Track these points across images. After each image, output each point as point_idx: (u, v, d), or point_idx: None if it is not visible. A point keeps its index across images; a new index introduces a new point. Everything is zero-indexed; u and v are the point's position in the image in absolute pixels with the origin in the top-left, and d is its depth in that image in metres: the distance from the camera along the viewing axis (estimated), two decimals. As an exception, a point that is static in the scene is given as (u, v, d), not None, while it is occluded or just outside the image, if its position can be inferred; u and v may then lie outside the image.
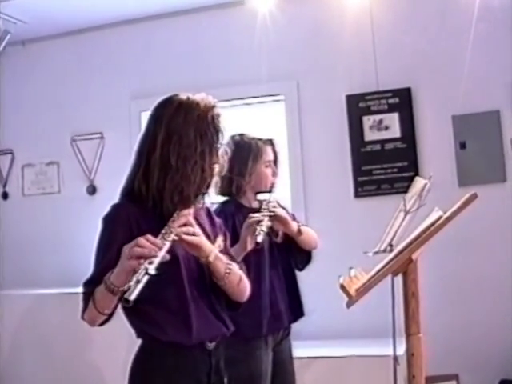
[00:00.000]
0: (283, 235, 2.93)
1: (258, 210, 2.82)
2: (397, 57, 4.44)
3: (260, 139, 2.97)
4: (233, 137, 2.92)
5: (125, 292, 1.73)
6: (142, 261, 1.77)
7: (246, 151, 2.91)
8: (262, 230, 2.67)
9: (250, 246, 2.68)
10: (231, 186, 2.90)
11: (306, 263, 3.06)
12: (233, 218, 2.87)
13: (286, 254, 3.00)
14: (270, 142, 3.01)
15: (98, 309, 1.89)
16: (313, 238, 3.04)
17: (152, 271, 1.74)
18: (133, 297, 1.70)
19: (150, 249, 1.80)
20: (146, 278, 1.73)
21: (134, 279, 1.73)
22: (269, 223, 2.75)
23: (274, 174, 3.01)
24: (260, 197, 2.96)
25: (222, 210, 2.88)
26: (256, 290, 2.49)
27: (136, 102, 4.90)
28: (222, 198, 2.97)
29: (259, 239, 2.64)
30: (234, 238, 2.73)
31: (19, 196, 5.28)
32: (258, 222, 2.69)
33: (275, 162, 3.03)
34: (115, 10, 4.73)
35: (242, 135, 2.97)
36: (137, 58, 4.99)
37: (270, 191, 2.96)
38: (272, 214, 2.79)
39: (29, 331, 4.32)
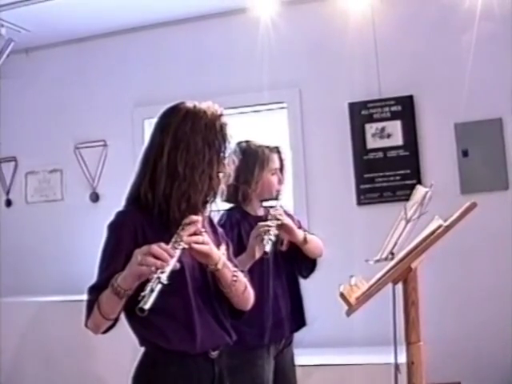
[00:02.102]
0: (288, 243, 2.91)
1: (263, 218, 2.81)
2: (399, 65, 4.45)
3: (267, 147, 2.95)
4: (239, 144, 2.91)
5: (138, 302, 1.74)
6: (153, 269, 1.78)
7: (253, 159, 2.89)
8: (270, 239, 2.65)
9: (258, 255, 2.66)
10: (237, 194, 2.88)
11: (310, 271, 3.03)
12: (238, 225, 2.85)
13: (291, 263, 2.98)
14: (277, 150, 2.99)
15: (103, 314, 1.89)
16: (318, 247, 3.01)
17: (165, 280, 1.75)
18: (148, 306, 1.71)
19: (163, 258, 1.80)
20: (159, 286, 1.74)
21: (148, 288, 1.74)
22: (276, 231, 2.73)
23: (280, 182, 2.98)
24: (266, 204, 2.96)
25: (228, 217, 2.87)
26: (259, 299, 2.48)
27: (139, 109, 4.92)
28: (227, 205, 2.95)
29: (267, 248, 2.62)
30: (240, 246, 2.73)
31: (22, 203, 5.29)
32: (266, 232, 2.67)
33: (281, 169, 3.01)
34: (118, 18, 4.75)
35: (248, 142, 2.95)
36: (140, 66, 5.00)
37: (276, 199, 2.95)
38: (278, 222, 2.77)
39: (31, 339, 4.31)
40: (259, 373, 2.77)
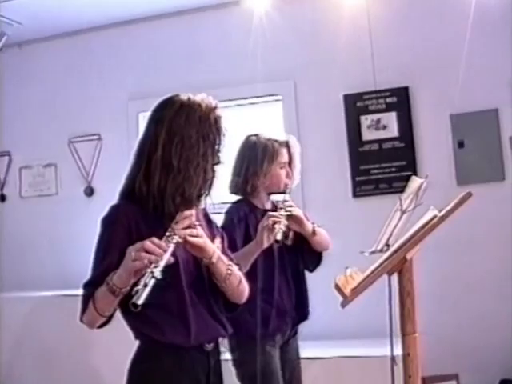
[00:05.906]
0: (294, 237, 2.94)
1: (270, 211, 2.82)
2: (394, 56, 4.44)
3: (276, 140, 2.97)
4: (248, 137, 2.96)
5: (132, 296, 1.74)
6: (146, 262, 1.78)
7: (262, 152, 2.92)
8: (280, 228, 2.68)
9: (266, 244, 2.69)
10: (246, 186, 2.92)
11: (316, 264, 3.07)
12: (245, 218, 2.89)
13: (296, 257, 3.00)
14: (286, 144, 3.01)
15: (98, 310, 1.90)
16: (326, 239, 3.04)
17: (158, 275, 1.75)
18: (141, 301, 1.72)
19: (157, 253, 1.80)
20: (152, 281, 1.74)
21: (142, 283, 1.74)
22: (286, 222, 2.76)
23: (288, 176, 3.00)
24: (274, 198, 2.98)
25: (236, 210, 2.91)
26: (264, 291, 2.51)
27: (133, 103, 4.91)
28: (233, 197, 2.99)
29: (278, 237, 2.66)
30: (246, 239, 2.79)
31: (17, 198, 5.28)
32: (276, 222, 2.70)
33: (290, 163, 3.02)
34: (112, 11, 4.73)
35: (257, 135, 2.98)
36: (134, 59, 4.99)
37: (283, 192, 2.96)
38: (289, 213, 2.80)
39: (28, 333, 4.31)
40: (268, 360, 2.80)
